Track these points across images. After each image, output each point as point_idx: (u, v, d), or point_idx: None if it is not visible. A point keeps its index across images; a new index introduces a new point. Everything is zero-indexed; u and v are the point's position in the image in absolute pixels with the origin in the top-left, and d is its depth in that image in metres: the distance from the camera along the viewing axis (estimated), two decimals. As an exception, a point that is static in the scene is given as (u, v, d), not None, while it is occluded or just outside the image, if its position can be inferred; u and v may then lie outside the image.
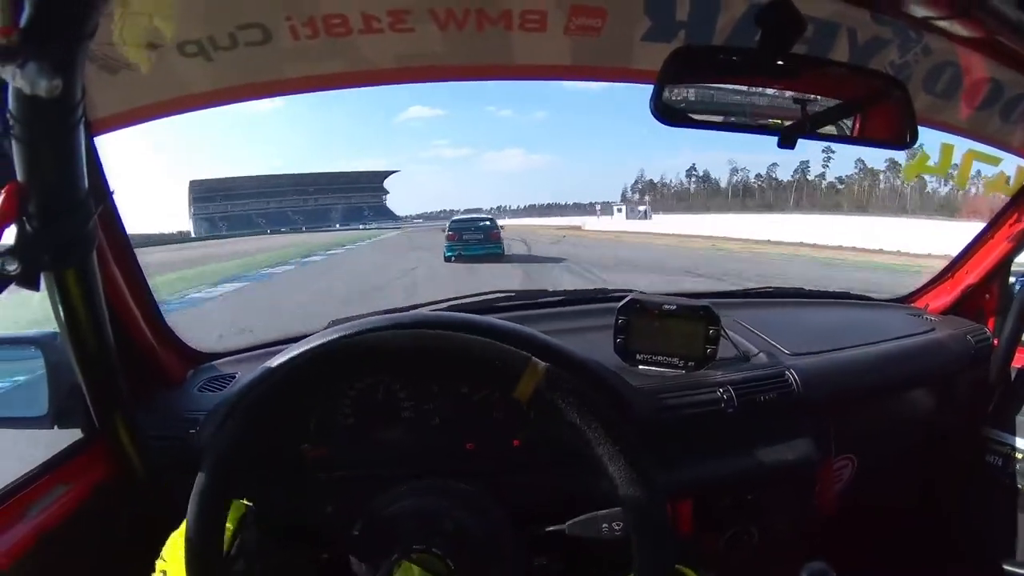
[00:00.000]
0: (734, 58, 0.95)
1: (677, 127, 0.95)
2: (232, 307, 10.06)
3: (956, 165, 1.48)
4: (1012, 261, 1.59)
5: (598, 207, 72.62)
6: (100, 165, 0.94)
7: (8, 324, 1.65)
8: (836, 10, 1.19)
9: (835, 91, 1.00)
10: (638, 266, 14.30)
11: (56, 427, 0.97)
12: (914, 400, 1.46)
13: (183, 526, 0.63)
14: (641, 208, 66.75)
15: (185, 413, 1.02)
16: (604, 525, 0.75)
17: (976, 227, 1.64)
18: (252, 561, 0.73)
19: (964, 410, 1.53)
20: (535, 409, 0.68)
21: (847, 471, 1.34)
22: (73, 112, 0.58)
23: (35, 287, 0.66)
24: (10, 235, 0.63)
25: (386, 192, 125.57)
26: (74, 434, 0.98)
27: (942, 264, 1.75)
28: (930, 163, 1.42)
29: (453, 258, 16.09)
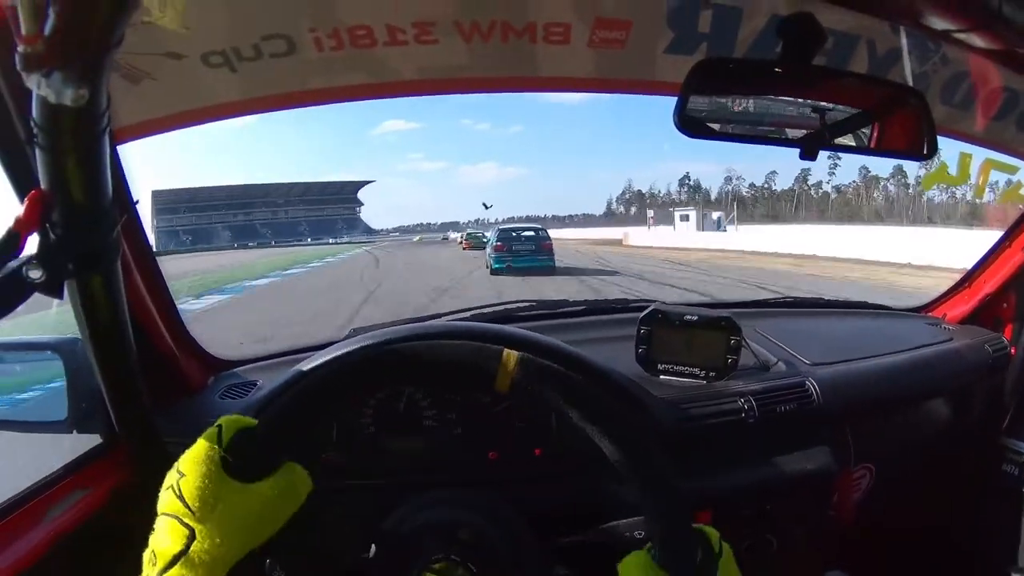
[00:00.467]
0: (756, 70, 0.96)
1: (700, 139, 0.96)
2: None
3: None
4: (1030, 270, 1.58)
5: (651, 214, 55.68)
6: (123, 174, 0.94)
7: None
8: (856, 22, 1.20)
9: (855, 102, 1.00)
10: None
11: (76, 432, 0.96)
12: (932, 409, 1.46)
13: (209, 435, 0.59)
14: (717, 216, 47.20)
15: (206, 419, 1.01)
16: (627, 534, 0.75)
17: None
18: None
19: (981, 419, 1.53)
20: (517, 398, 0.68)
21: (866, 480, 1.34)
22: (98, 121, 0.58)
23: (59, 295, 0.66)
24: (33, 243, 0.63)
25: (360, 204, 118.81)
26: (93, 439, 0.98)
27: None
28: (949, 172, 1.42)
29: (502, 271, 14.75)
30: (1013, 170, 1.50)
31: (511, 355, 0.64)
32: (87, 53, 0.51)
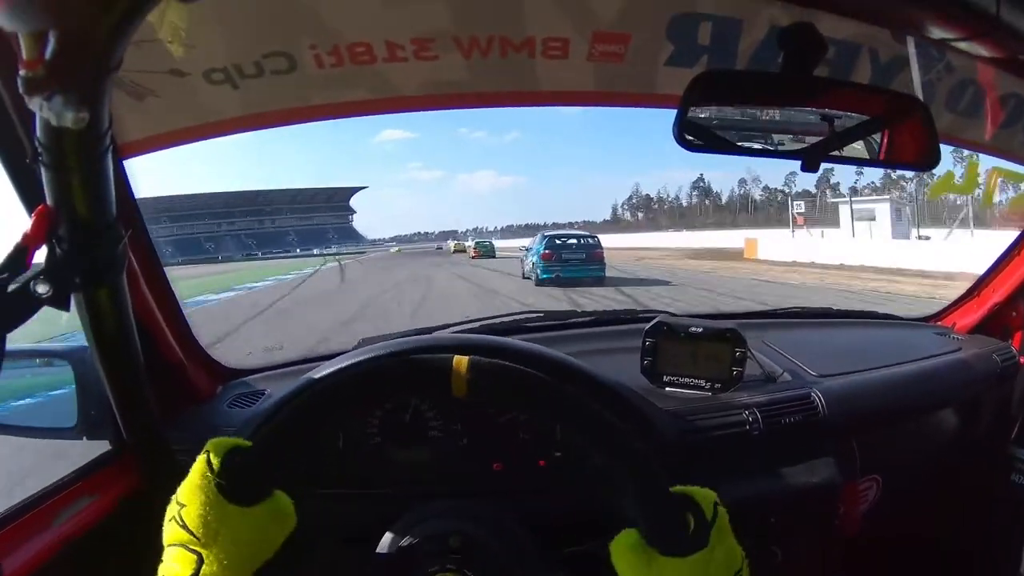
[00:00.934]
0: (756, 81, 0.96)
1: (699, 152, 0.95)
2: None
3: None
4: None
5: (798, 209, 31.69)
6: (130, 188, 0.96)
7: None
8: (857, 31, 1.19)
9: (856, 112, 1.00)
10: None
11: (85, 438, 0.98)
12: (940, 419, 1.45)
13: (199, 465, 0.60)
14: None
15: (214, 428, 1.02)
16: None
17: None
18: None
19: (990, 429, 1.51)
20: (477, 400, 0.68)
21: (872, 492, 1.32)
22: (100, 141, 0.59)
23: (66, 308, 0.67)
24: (39, 258, 0.64)
25: (352, 212, 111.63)
26: (100, 446, 0.99)
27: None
28: (956, 181, 1.40)
29: (550, 282, 13.29)
30: (1021, 179, 1.49)
31: (461, 360, 0.64)
32: (86, 77, 0.52)
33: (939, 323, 1.74)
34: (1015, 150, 1.47)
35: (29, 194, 0.77)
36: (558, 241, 14.50)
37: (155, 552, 0.61)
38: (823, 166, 0.93)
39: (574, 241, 14.83)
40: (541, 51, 1.15)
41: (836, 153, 0.98)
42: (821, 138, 0.98)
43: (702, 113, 0.96)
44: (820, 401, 1.14)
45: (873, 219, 22.81)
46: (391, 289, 15.07)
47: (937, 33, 0.84)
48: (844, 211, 24.63)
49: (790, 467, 1.08)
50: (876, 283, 12.86)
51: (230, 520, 0.58)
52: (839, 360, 1.31)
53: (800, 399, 1.14)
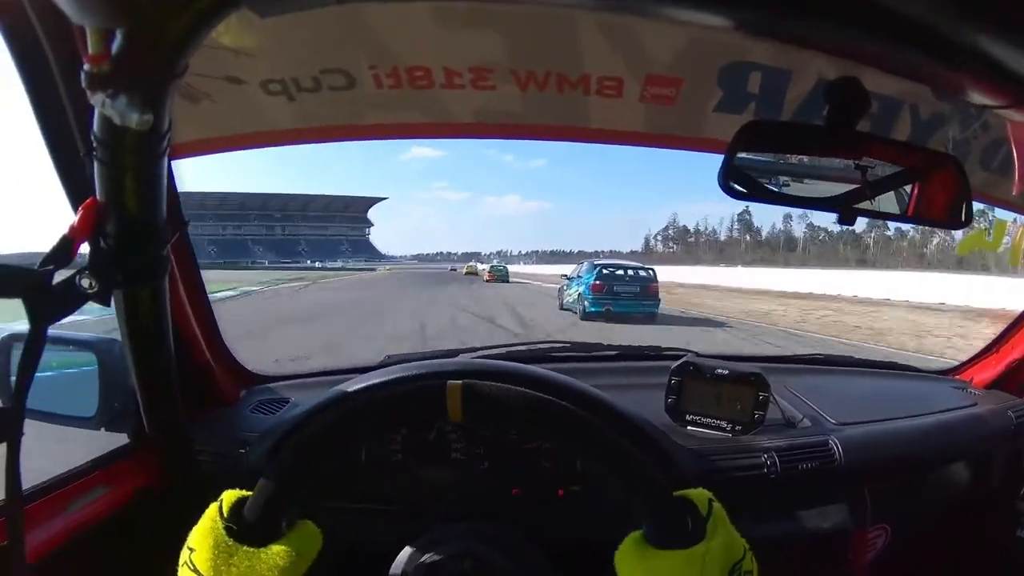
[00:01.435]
0: (801, 133, 0.98)
1: (743, 200, 0.97)
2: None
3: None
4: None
5: None
6: (177, 193, 0.96)
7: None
8: (900, 88, 1.21)
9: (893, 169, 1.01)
10: None
11: (104, 429, 0.99)
12: (952, 472, 1.45)
13: (211, 511, 0.62)
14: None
15: (236, 432, 1.04)
16: None
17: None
18: None
19: (1000, 483, 1.52)
20: (474, 423, 0.70)
21: (881, 540, 1.33)
22: (159, 143, 0.58)
23: (108, 304, 0.67)
24: (84, 252, 0.63)
25: (370, 224, 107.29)
26: (115, 438, 1.00)
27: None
28: (986, 239, 1.42)
29: (596, 315, 12.43)
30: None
31: (454, 385, 0.66)
32: (152, 80, 0.52)
33: (957, 377, 1.74)
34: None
35: (76, 187, 0.78)
36: (609, 272, 13.41)
37: (166, 546, 0.63)
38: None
39: (628, 273, 13.70)
40: (596, 89, 1.18)
41: (869, 206, 1.00)
42: (856, 188, 1.00)
43: (747, 160, 0.98)
44: (838, 449, 1.15)
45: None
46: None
47: (979, 99, 0.86)
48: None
49: (802, 511, 1.09)
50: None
51: (242, 562, 0.59)
52: (858, 409, 1.31)
53: (818, 446, 1.14)
